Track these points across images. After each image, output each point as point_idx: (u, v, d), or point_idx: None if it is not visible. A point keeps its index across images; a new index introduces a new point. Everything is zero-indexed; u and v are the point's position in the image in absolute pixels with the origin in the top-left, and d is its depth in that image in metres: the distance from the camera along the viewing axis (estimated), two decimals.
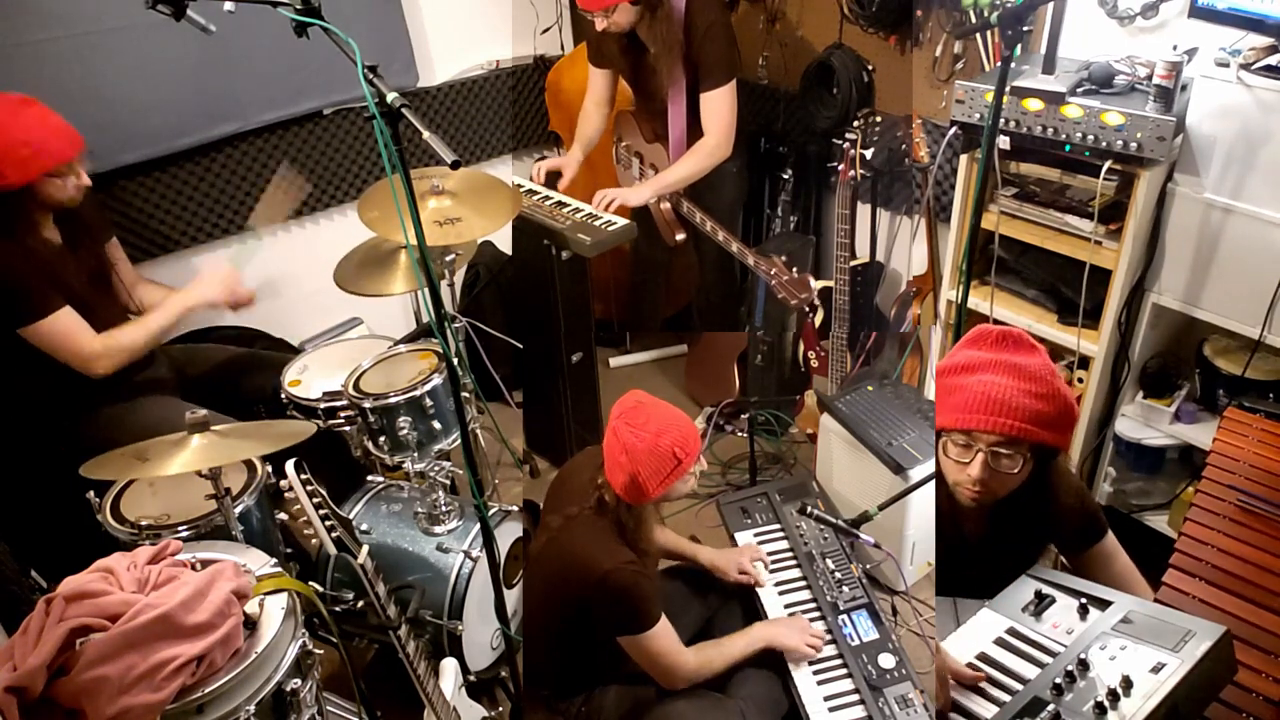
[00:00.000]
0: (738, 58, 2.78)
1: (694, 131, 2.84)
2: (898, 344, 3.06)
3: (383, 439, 2.36)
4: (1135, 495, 2.67)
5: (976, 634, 1.41)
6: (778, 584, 2.19)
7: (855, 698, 1.92)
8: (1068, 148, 2.27)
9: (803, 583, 2.19)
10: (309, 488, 1.55)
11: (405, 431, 2.31)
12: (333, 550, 1.55)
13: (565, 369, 2.93)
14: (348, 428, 2.40)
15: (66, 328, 2.18)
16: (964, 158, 2.55)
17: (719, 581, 2.20)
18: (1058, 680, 1.21)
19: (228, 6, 1.64)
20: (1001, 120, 2.32)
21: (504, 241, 3.42)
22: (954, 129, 2.57)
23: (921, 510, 2.46)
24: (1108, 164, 2.22)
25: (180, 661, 1.37)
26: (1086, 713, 1.15)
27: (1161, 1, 2.26)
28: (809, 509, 2.09)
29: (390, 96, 1.49)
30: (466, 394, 2.45)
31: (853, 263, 2.91)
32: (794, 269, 2.48)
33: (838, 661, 2.00)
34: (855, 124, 2.76)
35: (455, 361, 1.93)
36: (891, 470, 2.46)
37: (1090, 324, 2.45)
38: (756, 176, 3.38)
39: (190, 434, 1.86)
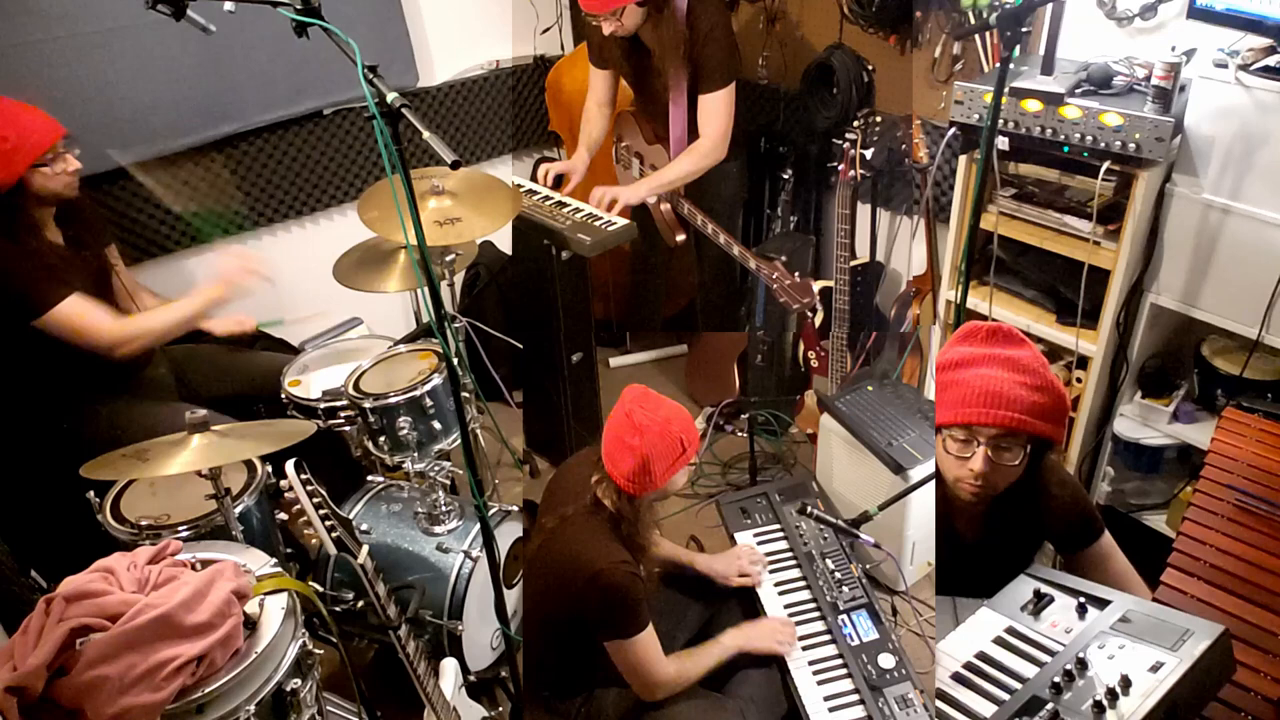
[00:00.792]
0: (738, 61, 2.78)
1: (695, 133, 2.84)
2: (898, 344, 3.06)
3: (383, 439, 2.36)
4: (1133, 495, 2.67)
5: (975, 633, 1.41)
6: (777, 584, 2.19)
7: (855, 698, 1.92)
8: (1066, 148, 2.28)
9: (802, 583, 2.19)
10: (309, 488, 1.55)
11: (405, 431, 2.31)
12: (333, 550, 1.55)
13: (565, 369, 2.92)
14: (348, 428, 2.40)
15: (81, 311, 2.17)
16: (963, 158, 2.55)
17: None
18: (1056, 679, 1.22)
19: (228, 6, 1.64)
20: (1000, 121, 2.32)
21: (504, 241, 3.42)
22: (953, 130, 2.57)
23: (921, 510, 2.47)
24: (1106, 165, 2.22)
25: (180, 661, 1.37)
26: (1085, 712, 1.15)
27: (1160, 2, 2.26)
28: (809, 509, 2.10)
29: (390, 96, 1.50)
30: (466, 394, 2.45)
31: (853, 263, 2.92)
32: (795, 272, 2.48)
33: (838, 661, 2.00)
34: (855, 124, 2.76)
35: (455, 361, 1.93)
36: (891, 470, 2.46)
37: (1089, 324, 2.45)
38: (756, 176, 3.38)
39: (190, 434, 1.86)
